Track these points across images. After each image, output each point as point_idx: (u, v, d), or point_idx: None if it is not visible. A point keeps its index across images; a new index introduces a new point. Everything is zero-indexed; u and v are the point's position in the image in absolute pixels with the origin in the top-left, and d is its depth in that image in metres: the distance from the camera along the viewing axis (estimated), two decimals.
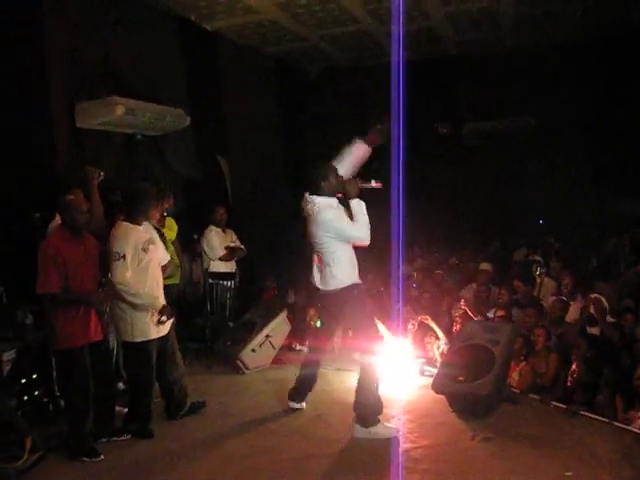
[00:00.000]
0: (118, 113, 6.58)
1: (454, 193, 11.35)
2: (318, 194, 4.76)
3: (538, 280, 7.38)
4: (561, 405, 5.14)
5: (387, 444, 4.51)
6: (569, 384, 5.29)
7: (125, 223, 4.80)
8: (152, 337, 4.85)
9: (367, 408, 4.73)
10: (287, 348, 7.10)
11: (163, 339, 4.97)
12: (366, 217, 4.71)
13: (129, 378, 5.20)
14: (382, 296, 7.58)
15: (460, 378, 5.14)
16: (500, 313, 6.45)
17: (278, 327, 6.85)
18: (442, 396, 5.21)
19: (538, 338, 5.74)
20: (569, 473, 4.01)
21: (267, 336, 6.70)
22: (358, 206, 4.73)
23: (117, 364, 5.56)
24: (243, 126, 9.86)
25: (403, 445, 4.51)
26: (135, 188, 5.06)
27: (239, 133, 9.78)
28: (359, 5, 8.35)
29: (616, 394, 4.94)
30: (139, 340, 4.81)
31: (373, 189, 4.81)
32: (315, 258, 4.91)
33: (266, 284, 8.53)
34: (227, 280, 7.31)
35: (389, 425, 4.81)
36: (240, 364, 6.52)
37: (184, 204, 8.09)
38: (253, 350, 6.59)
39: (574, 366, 5.28)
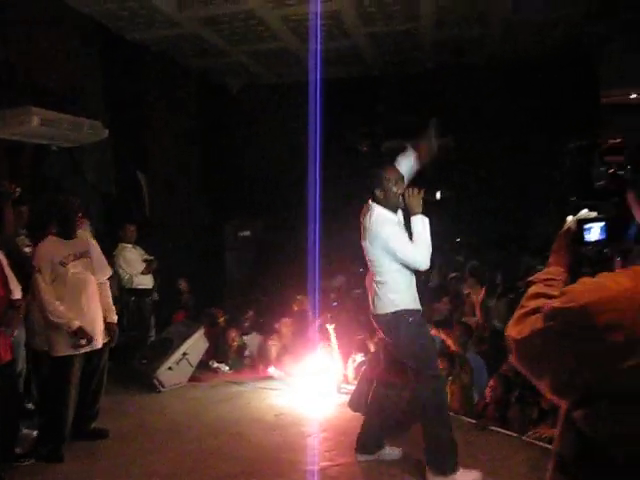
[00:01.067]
0: (33, 124, 6.37)
1: None
2: (378, 204, 4.23)
3: (466, 299, 7.39)
4: (472, 420, 5.32)
5: (305, 463, 4.53)
6: (487, 400, 5.37)
7: (50, 237, 4.74)
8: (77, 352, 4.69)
9: (440, 451, 4.18)
10: (205, 366, 7.05)
11: (91, 354, 4.81)
12: (428, 238, 4.11)
13: (47, 394, 4.92)
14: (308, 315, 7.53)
15: None
16: None
17: (195, 344, 6.79)
18: (359, 414, 5.28)
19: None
20: None
21: (184, 354, 6.63)
22: (421, 225, 4.11)
23: (27, 384, 5.34)
24: (163, 139, 9.74)
25: (320, 463, 4.53)
26: (62, 201, 4.93)
27: (159, 146, 9.65)
28: (280, 22, 8.42)
29: (526, 409, 5.14)
30: (62, 354, 4.65)
31: (439, 203, 4.28)
32: (367, 277, 4.39)
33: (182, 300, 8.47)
34: (146, 296, 7.18)
35: (471, 472, 4.20)
36: (156, 382, 6.42)
37: (100, 219, 7.90)
38: (170, 368, 6.51)
39: (492, 382, 5.38)
